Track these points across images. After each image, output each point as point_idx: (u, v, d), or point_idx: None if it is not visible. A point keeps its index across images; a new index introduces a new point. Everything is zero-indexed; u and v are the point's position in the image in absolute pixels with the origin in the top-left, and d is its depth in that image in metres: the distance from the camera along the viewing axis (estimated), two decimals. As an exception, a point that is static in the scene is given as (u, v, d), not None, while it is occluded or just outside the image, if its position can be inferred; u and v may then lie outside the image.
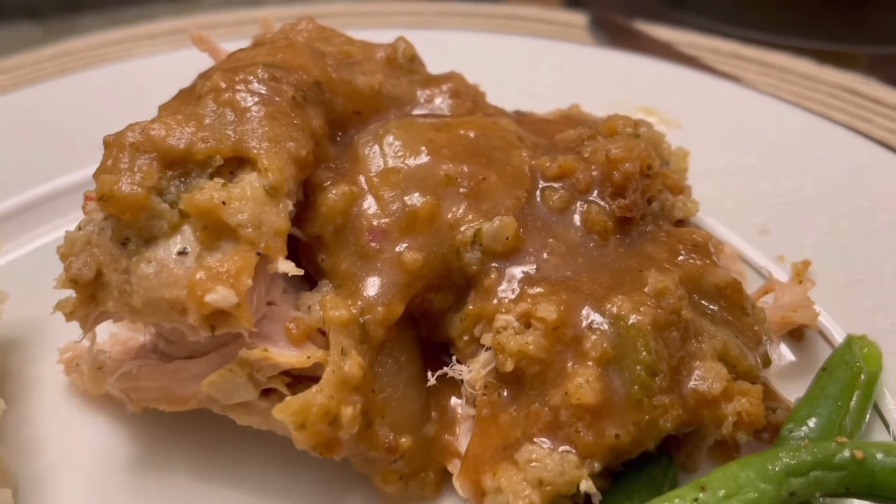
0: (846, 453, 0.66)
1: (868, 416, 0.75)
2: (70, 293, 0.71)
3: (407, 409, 0.74)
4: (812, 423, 0.74)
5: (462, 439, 0.74)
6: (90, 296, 0.70)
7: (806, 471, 0.65)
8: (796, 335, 0.85)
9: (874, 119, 1.24)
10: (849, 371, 0.76)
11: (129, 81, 1.19)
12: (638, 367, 0.66)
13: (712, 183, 0.99)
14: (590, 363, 0.67)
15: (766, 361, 0.75)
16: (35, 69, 1.41)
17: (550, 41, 1.27)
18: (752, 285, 0.89)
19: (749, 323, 0.75)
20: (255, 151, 0.71)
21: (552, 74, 1.14)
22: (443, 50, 1.08)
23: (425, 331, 0.78)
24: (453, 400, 0.77)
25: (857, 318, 0.83)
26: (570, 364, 0.68)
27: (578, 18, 1.51)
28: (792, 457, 0.66)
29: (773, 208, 0.96)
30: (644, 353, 0.67)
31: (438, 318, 0.78)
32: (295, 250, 0.77)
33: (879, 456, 0.66)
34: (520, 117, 0.90)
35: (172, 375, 0.74)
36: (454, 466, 0.73)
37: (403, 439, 0.72)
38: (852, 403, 0.75)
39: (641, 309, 0.68)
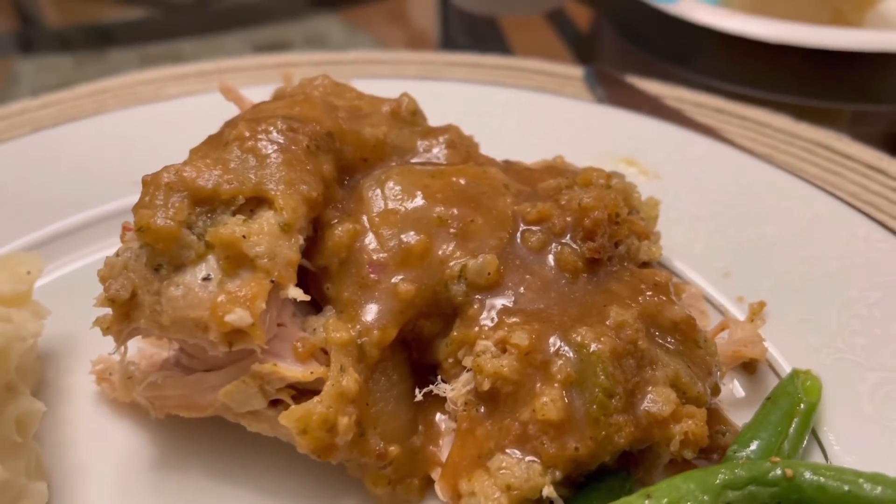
0: (778, 471, 0.75)
1: (805, 441, 0.84)
2: (107, 311, 0.82)
3: (396, 421, 0.84)
4: (754, 445, 0.83)
5: (445, 450, 0.84)
6: (125, 314, 0.81)
7: (742, 485, 0.75)
8: (749, 369, 0.94)
9: (844, 173, 1.34)
10: (790, 400, 0.86)
11: (162, 121, 1.31)
12: (597, 390, 0.76)
13: (683, 229, 1.09)
14: (555, 385, 0.77)
15: (716, 390, 0.85)
16: (74, 105, 1.54)
17: (544, 95, 1.38)
18: (713, 323, 1.00)
19: (701, 355, 0.84)
20: (273, 192, 0.82)
21: (543, 126, 1.25)
22: (445, 100, 1.19)
23: (416, 354, 0.89)
24: (438, 416, 0.87)
25: (804, 354, 0.92)
26: (538, 385, 0.78)
27: (576, 71, 1.63)
28: (730, 472, 0.76)
29: (736, 254, 1.06)
30: (602, 377, 0.77)
31: (428, 343, 0.88)
32: (304, 279, 0.87)
33: (807, 474, 0.75)
34: (508, 166, 1.01)
35: (193, 385, 0.85)
36: (437, 474, 0.83)
37: (392, 448, 0.82)
38: (791, 429, 0.84)
39: (602, 339, 0.78)
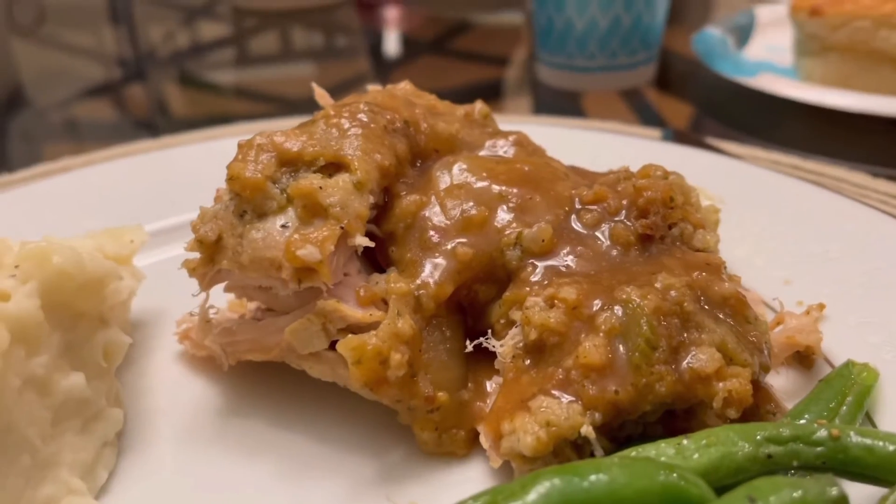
0: (823, 432, 0.74)
1: (859, 423, 0.83)
2: (196, 256, 0.91)
3: (447, 372, 0.87)
4: (804, 421, 0.82)
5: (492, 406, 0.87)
6: (210, 257, 0.90)
7: (785, 441, 0.74)
8: (806, 363, 0.93)
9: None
10: (844, 382, 0.85)
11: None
12: (640, 340, 0.79)
13: (745, 246, 1.11)
14: (600, 334, 0.80)
15: (765, 367, 0.85)
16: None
17: (619, 135, 1.45)
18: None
19: (749, 330, 0.85)
20: (349, 157, 0.91)
21: (614, 160, 1.31)
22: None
23: (471, 319, 0.93)
24: (487, 377, 0.90)
25: (863, 350, 0.91)
26: (583, 336, 0.81)
27: (654, 132, 1.70)
28: (774, 428, 0.75)
29: (797, 266, 1.07)
30: (646, 328, 0.79)
31: (482, 309, 0.92)
32: (371, 250, 0.94)
33: (854, 436, 0.74)
34: (572, 167, 1.07)
35: (263, 329, 0.92)
36: (482, 427, 0.85)
37: (441, 394, 0.85)
38: (843, 408, 0.82)
39: (648, 296, 0.81)
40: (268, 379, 0.98)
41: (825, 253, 1.08)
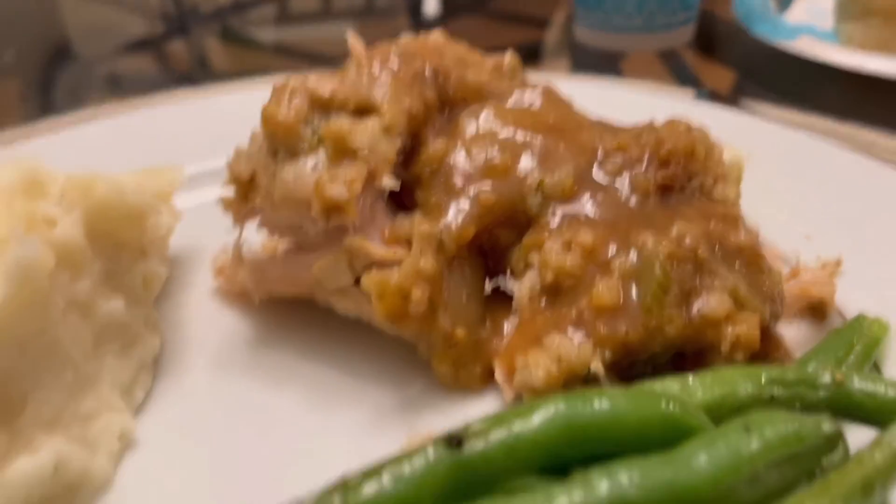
0: (827, 377, 0.76)
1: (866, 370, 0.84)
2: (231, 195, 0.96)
3: (466, 311, 0.91)
4: (811, 368, 0.84)
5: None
6: (244, 194, 0.94)
7: (789, 384, 0.76)
8: (819, 315, 0.95)
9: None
10: (854, 332, 0.86)
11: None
12: (653, 283, 0.81)
13: (768, 202, 1.12)
14: (614, 277, 0.82)
15: (776, 316, 0.87)
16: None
17: (651, 94, 1.46)
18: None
19: (763, 280, 0.87)
20: (379, 102, 0.94)
21: (644, 117, 1.32)
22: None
23: (491, 263, 0.96)
24: (505, 319, 0.94)
25: (878, 304, 0.92)
26: (597, 279, 0.84)
27: (687, 92, 1.70)
28: (779, 371, 0.77)
29: (819, 223, 1.08)
30: (659, 273, 0.81)
31: (503, 253, 0.95)
32: (397, 194, 0.97)
33: (857, 381, 0.76)
34: (599, 120, 1.09)
35: (292, 265, 0.96)
36: (497, 362, 0.89)
37: (459, 330, 0.89)
38: (850, 358, 0.84)
39: (663, 242, 0.84)
40: (297, 314, 1.03)
41: (848, 212, 1.09)
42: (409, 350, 0.93)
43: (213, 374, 0.96)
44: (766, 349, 0.85)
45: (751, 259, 0.88)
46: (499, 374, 0.87)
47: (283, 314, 1.03)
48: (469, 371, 0.90)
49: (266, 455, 0.85)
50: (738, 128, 1.31)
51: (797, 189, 1.15)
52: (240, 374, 0.96)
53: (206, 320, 1.04)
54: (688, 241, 0.85)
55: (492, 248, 0.96)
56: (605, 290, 0.81)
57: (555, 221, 0.91)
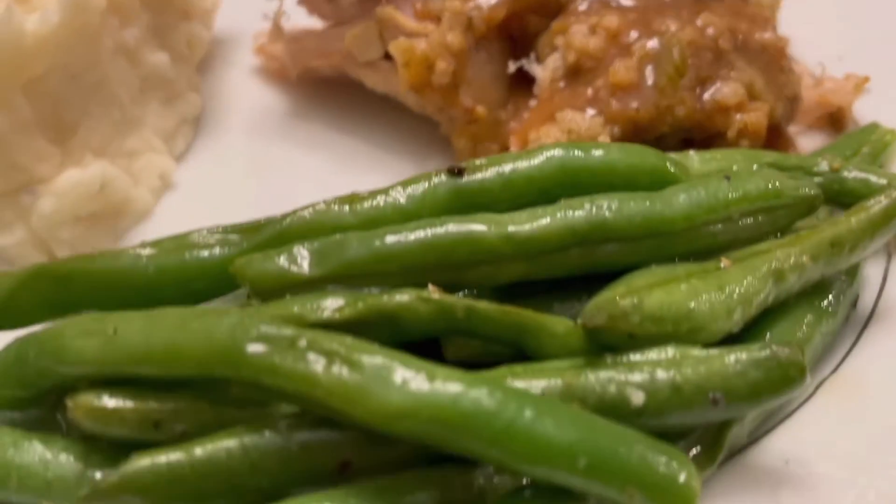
0: (825, 164, 0.79)
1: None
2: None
3: (488, 90, 0.94)
4: (816, 164, 0.87)
5: (526, 127, 0.94)
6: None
7: (787, 168, 0.79)
8: (838, 126, 0.96)
9: None
10: (864, 137, 0.88)
11: None
12: (669, 66, 0.83)
13: (808, 19, 1.11)
14: (633, 59, 0.85)
15: (789, 113, 0.89)
16: None
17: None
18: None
19: (783, 80, 0.89)
20: None
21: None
22: None
23: (519, 49, 0.99)
24: (525, 104, 0.97)
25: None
26: (617, 61, 0.86)
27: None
28: (780, 156, 0.81)
29: (855, 44, 1.06)
30: (677, 57, 0.84)
31: (531, 41, 0.98)
32: None
33: (853, 170, 0.79)
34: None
35: (327, 36, 1.01)
36: (513, 138, 0.93)
37: (480, 108, 0.93)
38: (857, 159, 0.86)
39: (686, 29, 0.85)
40: (330, 92, 1.08)
41: (886, 35, 1.07)
42: (432, 128, 0.98)
43: (250, 136, 1.03)
44: (776, 147, 0.88)
45: (773, 57, 0.89)
46: (513, 145, 0.91)
47: (318, 91, 1.08)
48: (486, 148, 0.94)
49: (293, 207, 0.93)
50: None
51: (840, 10, 1.13)
52: (274, 139, 1.02)
53: (246, 92, 1.10)
54: (710, 31, 0.86)
55: (521, 33, 0.98)
56: (622, 68, 0.84)
57: (584, 7, 0.92)
